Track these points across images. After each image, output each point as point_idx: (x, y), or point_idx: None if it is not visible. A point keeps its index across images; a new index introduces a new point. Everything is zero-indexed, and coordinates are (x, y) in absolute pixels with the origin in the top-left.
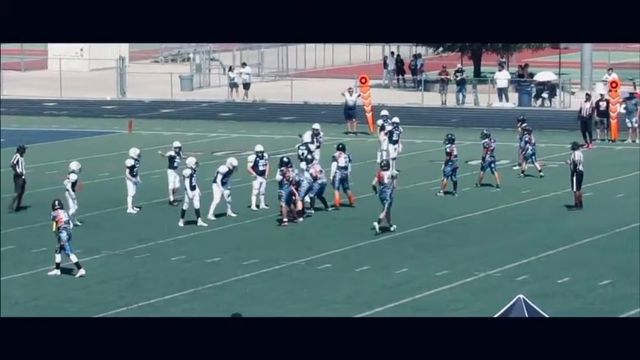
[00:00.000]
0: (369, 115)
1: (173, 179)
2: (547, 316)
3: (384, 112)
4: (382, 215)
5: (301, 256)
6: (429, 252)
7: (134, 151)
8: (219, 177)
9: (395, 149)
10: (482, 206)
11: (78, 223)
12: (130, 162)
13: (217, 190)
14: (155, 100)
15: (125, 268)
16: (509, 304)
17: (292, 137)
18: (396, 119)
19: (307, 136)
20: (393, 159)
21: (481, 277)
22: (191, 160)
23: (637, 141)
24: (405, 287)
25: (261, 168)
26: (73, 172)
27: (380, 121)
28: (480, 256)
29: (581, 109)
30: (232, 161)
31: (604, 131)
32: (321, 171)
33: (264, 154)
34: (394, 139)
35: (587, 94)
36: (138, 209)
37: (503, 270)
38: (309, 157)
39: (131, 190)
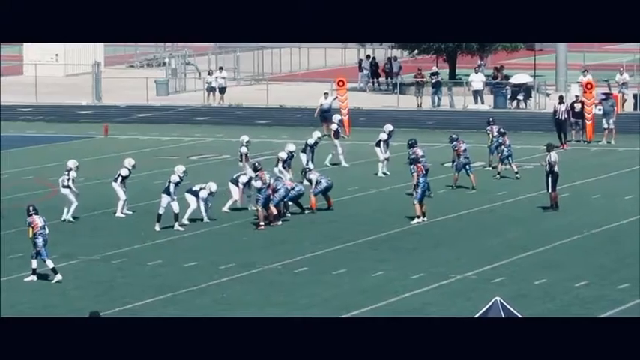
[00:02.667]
0: (345, 118)
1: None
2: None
3: (390, 128)
4: (422, 209)
5: (278, 259)
6: (405, 255)
7: (129, 162)
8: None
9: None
10: (458, 208)
11: (72, 220)
12: (124, 172)
13: (191, 199)
14: (131, 104)
15: (102, 273)
16: (486, 306)
17: (268, 141)
18: (389, 126)
19: (291, 146)
20: (387, 159)
21: (457, 279)
22: (179, 168)
23: (612, 142)
24: (381, 290)
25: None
26: (71, 169)
27: (384, 135)
28: (456, 259)
29: (555, 110)
30: (211, 186)
31: (579, 132)
32: (294, 182)
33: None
34: (381, 146)
35: (560, 96)
36: (128, 214)
37: (479, 272)
38: (284, 167)
39: (122, 195)
